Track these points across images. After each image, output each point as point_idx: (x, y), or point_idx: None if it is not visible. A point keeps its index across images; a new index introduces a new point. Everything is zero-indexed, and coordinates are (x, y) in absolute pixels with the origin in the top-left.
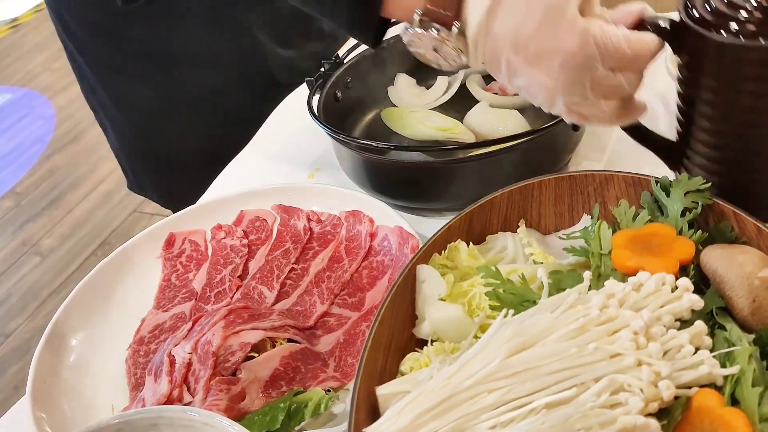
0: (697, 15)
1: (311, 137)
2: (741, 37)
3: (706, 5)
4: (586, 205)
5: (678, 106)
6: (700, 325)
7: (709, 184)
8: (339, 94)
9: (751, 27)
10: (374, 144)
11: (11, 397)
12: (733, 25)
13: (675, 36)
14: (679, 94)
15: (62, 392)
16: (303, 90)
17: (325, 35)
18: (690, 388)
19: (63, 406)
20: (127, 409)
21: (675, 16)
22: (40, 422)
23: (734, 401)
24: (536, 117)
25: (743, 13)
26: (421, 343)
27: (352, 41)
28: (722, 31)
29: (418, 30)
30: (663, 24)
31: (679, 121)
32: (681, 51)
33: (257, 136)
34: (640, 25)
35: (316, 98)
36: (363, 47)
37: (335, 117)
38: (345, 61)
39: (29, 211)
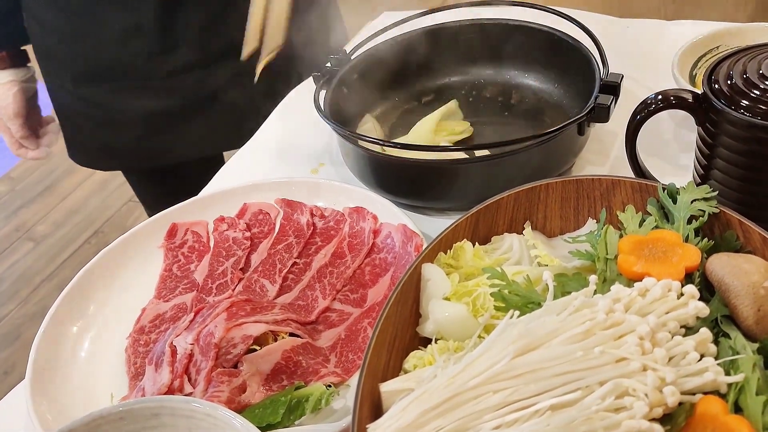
0: (717, 88)
1: (316, 132)
2: (752, 114)
3: (728, 81)
4: (592, 209)
5: (696, 158)
6: (705, 333)
7: (716, 192)
8: (345, 90)
9: (762, 107)
10: (380, 141)
11: (1, 383)
12: (746, 102)
13: (696, 107)
14: (698, 148)
15: (62, 380)
16: (309, 85)
17: None
18: (694, 394)
19: (62, 394)
20: (126, 398)
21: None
22: (39, 409)
23: (738, 409)
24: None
25: (757, 92)
26: (425, 342)
27: (359, 38)
28: (739, 107)
29: None
30: (686, 96)
31: (697, 171)
32: (701, 119)
33: (262, 128)
34: (665, 97)
35: (322, 93)
36: (370, 44)
37: (341, 113)
38: (352, 57)
39: (23, 197)
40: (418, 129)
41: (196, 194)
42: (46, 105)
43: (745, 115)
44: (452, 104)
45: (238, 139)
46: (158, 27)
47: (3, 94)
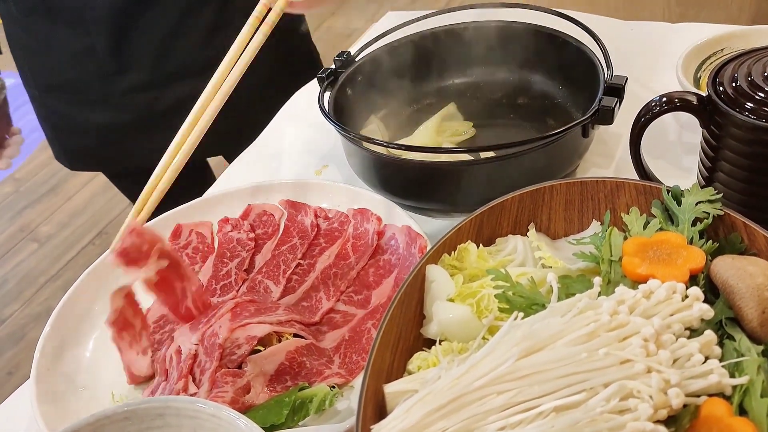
0: (722, 90)
1: (320, 133)
2: (757, 117)
3: (733, 83)
4: (596, 211)
5: (701, 160)
6: (709, 335)
7: (720, 195)
8: (349, 92)
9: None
10: (384, 142)
11: (5, 383)
12: (750, 105)
13: (701, 109)
14: (703, 150)
15: (66, 379)
16: (313, 86)
17: None
18: (699, 396)
19: (66, 394)
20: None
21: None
22: (43, 409)
23: (742, 411)
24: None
25: (762, 95)
26: (429, 343)
27: (362, 40)
28: (744, 110)
29: None
30: (690, 99)
31: (701, 173)
32: (706, 121)
33: (266, 130)
34: (670, 100)
35: (326, 95)
36: (374, 45)
37: (345, 114)
38: (356, 59)
39: (28, 198)
40: (421, 132)
41: (181, 200)
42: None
43: (750, 117)
44: (451, 107)
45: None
46: (110, 50)
47: None
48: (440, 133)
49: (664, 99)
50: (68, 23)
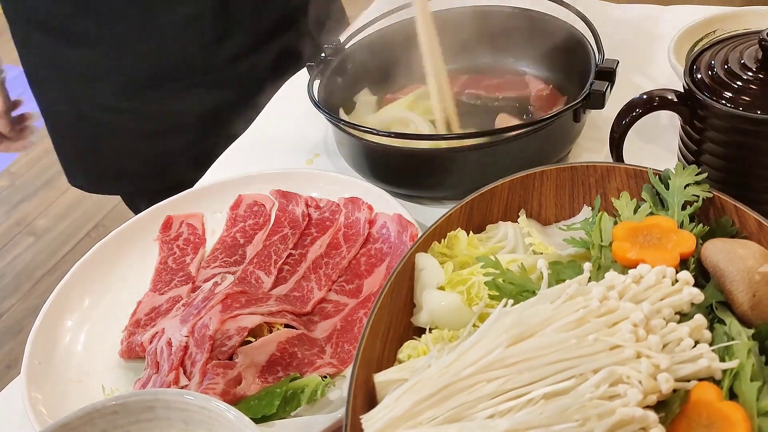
0: (698, 78)
1: (310, 122)
2: (734, 105)
3: (709, 71)
4: (587, 196)
5: (680, 149)
6: (699, 319)
7: (705, 174)
8: (340, 80)
9: (745, 98)
10: (374, 131)
11: (4, 376)
12: (728, 94)
13: (681, 103)
14: (681, 140)
15: (57, 373)
16: (303, 75)
17: None
18: (689, 381)
19: (58, 387)
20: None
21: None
22: (34, 402)
23: (732, 395)
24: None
25: (740, 84)
26: (419, 332)
27: (352, 28)
28: (721, 98)
29: None
30: (671, 96)
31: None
32: (686, 113)
33: (257, 120)
34: (649, 98)
35: (316, 83)
36: (364, 33)
37: (335, 102)
38: (346, 47)
39: (24, 191)
40: (392, 107)
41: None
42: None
43: (728, 106)
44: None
45: None
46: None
47: None
48: (412, 109)
49: (645, 97)
50: None
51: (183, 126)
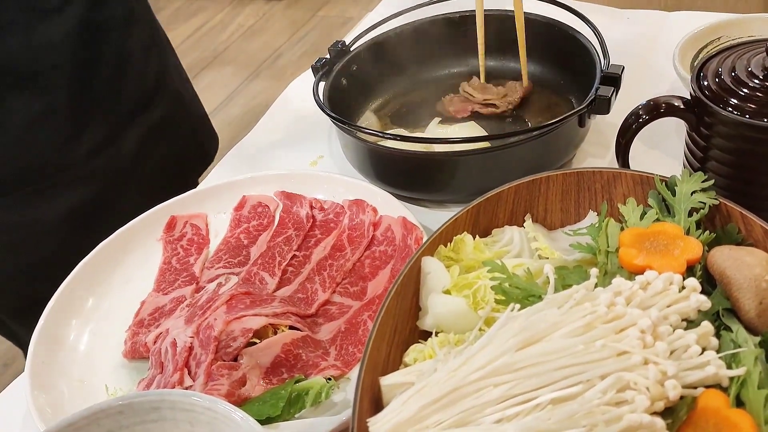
0: (705, 85)
1: (315, 124)
2: (740, 113)
3: (716, 79)
4: (593, 201)
5: (686, 156)
6: (706, 326)
7: (712, 181)
8: (344, 82)
9: (752, 105)
10: (379, 133)
11: (1, 375)
12: (735, 102)
13: (687, 110)
14: (687, 146)
15: (60, 373)
16: (308, 76)
17: None
18: (696, 388)
19: (61, 387)
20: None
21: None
22: (38, 402)
23: (739, 403)
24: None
25: (746, 91)
26: (425, 335)
27: (357, 29)
28: (727, 106)
29: None
30: (677, 103)
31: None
32: (693, 120)
33: (261, 121)
34: (656, 105)
35: (321, 85)
36: (368, 35)
37: (340, 104)
38: (351, 49)
39: None
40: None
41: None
42: None
43: (734, 113)
44: None
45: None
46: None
47: None
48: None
49: (651, 103)
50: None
51: (47, 232)
